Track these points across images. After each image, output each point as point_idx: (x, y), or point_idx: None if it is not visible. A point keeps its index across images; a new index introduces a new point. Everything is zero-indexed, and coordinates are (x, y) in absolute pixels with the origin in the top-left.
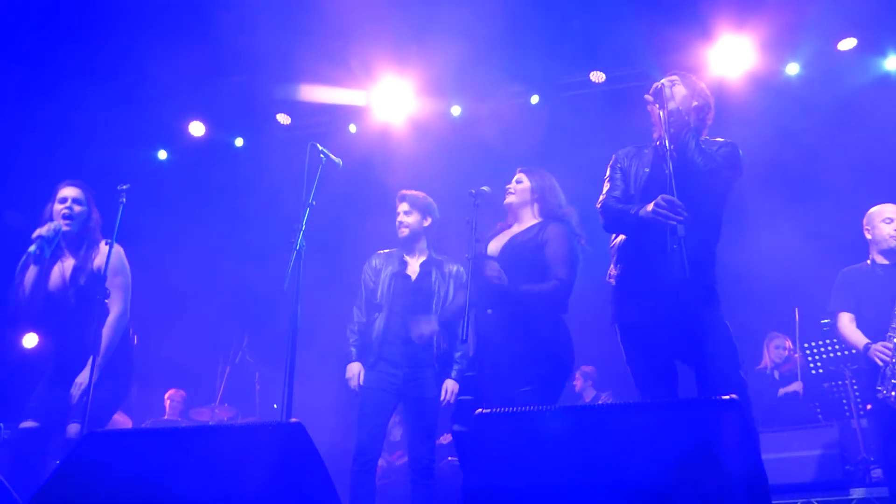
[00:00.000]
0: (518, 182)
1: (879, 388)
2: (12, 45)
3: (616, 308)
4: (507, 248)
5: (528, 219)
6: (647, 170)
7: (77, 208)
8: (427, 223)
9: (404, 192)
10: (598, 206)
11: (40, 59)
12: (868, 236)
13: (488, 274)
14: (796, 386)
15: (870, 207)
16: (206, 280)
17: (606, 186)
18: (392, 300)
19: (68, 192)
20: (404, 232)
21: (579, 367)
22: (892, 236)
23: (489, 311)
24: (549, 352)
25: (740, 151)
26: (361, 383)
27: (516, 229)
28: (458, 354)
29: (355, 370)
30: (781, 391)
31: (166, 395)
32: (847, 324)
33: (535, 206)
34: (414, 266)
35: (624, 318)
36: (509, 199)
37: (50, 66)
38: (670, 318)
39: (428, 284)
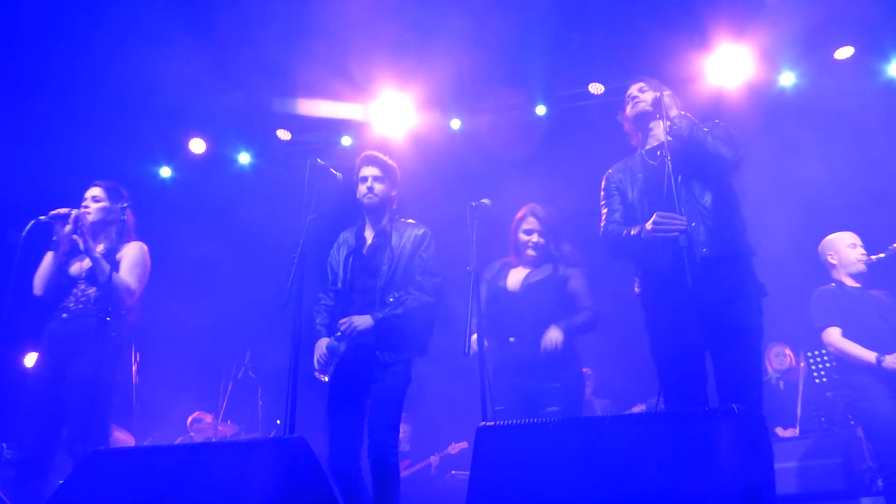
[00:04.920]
0: (540, 236)
1: None
2: (11, 61)
3: (646, 315)
4: (528, 287)
5: (537, 260)
6: (640, 180)
7: (94, 205)
8: (394, 193)
9: (373, 153)
10: (600, 234)
11: (39, 79)
12: (833, 261)
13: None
14: (790, 433)
15: (866, 218)
16: (207, 296)
17: (604, 212)
18: (351, 283)
19: (89, 192)
20: (373, 200)
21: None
22: (859, 260)
23: (511, 339)
24: (575, 375)
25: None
26: (325, 352)
27: (525, 269)
28: (390, 299)
29: (322, 343)
30: (780, 432)
31: (189, 419)
32: (841, 338)
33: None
34: (369, 239)
35: (652, 323)
36: (532, 254)
37: (48, 86)
38: (694, 321)
39: (378, 259)
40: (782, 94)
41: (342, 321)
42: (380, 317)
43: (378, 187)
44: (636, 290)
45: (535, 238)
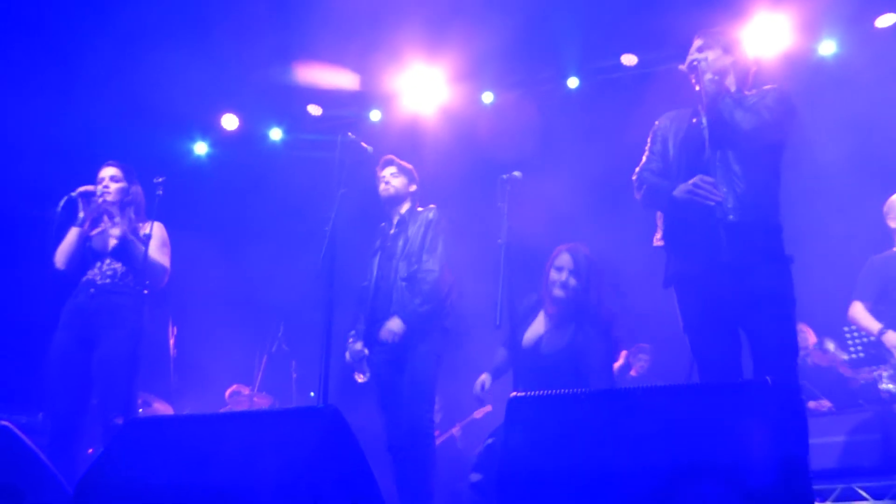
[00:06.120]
0: (572, 275)
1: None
2: (52, 42)
3: (669, 271)
4: (538, 354)
5: (564, 307)
6: (682, 135)
7: (113, 185)
8: (413, 189)
9: (388, 157)
10: (634, 177)
11: (77, 60)
12: (893, 225)
13: None
14: (821, 404)
15: None
16: (241, 270)
17: (645, 156)
18: (378, 273)
19: (104, 171)
20: (390, 191)
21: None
22: None
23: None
24: None
25: (788, 92)
26: (350, 359)
27: (547, 323)
28: (417, 300)
29: (348, 353)
30: (812, 404)
31: (228, 392)
32: (860, 311)
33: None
34: (392, 231)
35: (679, 282)
36: (559, 294)
37: (86, 67)
38: (724, 289)
39: (395, 244)
40: (822, 64)
41: (382, 334)
42: (406, 313)
43: (393, 181)
44: (656, 242)
45: (564, 276)
